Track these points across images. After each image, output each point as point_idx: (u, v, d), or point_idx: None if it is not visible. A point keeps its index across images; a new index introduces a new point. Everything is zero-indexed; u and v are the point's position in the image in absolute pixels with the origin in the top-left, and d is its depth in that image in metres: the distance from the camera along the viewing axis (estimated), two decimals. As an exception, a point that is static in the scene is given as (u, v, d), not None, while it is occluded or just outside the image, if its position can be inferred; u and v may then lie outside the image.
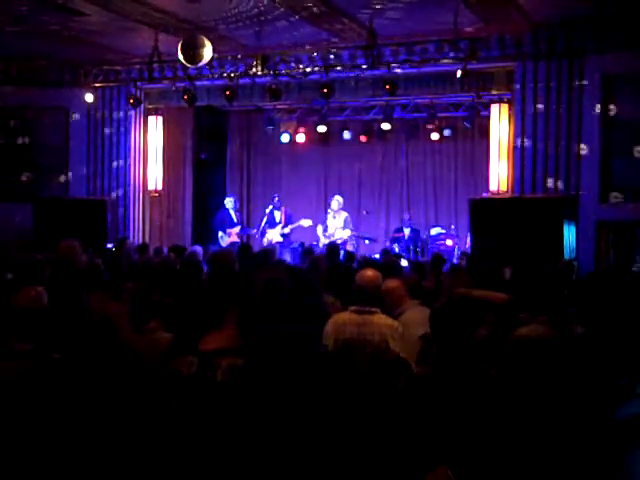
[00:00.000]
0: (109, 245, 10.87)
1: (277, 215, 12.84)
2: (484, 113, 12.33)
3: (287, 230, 12.67)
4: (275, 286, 1.75)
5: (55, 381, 3.35)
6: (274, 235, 12.66)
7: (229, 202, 12.94)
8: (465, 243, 12.02)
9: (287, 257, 11.26)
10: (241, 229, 12.90)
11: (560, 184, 10.04)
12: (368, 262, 7.75)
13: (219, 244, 12.37)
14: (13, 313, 3.56)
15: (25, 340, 3.48)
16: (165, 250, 9.30)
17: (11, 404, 3.25)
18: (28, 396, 3.27)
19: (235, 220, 12.84)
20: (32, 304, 3.61)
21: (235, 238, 12.60)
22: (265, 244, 12.39)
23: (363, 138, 14.45)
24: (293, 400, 1.77)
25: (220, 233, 12.69)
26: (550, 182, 10.09)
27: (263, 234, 12.76)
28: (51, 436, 3.22)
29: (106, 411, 3.36)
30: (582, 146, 9.94)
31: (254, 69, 10.93)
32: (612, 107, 9.87)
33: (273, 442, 1.76)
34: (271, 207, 12.93)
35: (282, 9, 9.17)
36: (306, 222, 12.67)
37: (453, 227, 13.16)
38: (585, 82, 9.86)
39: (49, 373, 3.37)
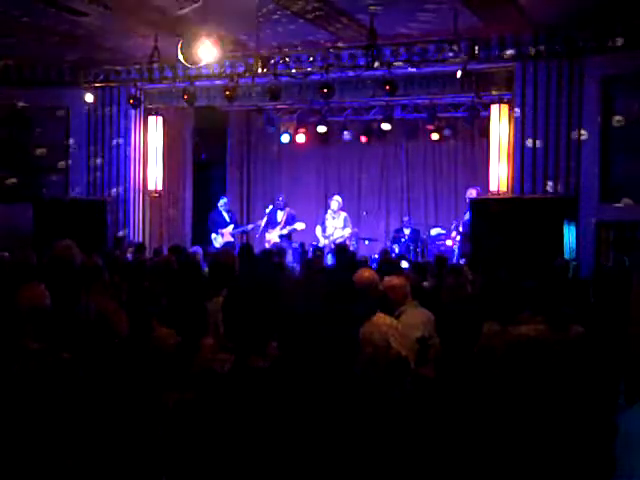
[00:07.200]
0: (109, 245, 10.86)
1: (279, 215, 12.83)
2: (484, 113, 12.32)
3: (285, 232, 12.66)
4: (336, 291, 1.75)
5: (66, 380, 3.33)
6: (273, 236, 12.66)
7: (221, 202, 12.97)
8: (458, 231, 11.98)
9: (289, 257, 11.26)
10: (234, 228, 12.89)
11: (560, 184, 10.02)
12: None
13: (213, 245, 12.36)
14: (20, 311, 3.53)
15: (35, 339, 3.45)
16: (164, 250, 9.28)
17: (30, 402, 3.21)
18: (44, 394, 3.24)
19: (227, 220, 12.85)
20: (38, 302, 3.59)
21: (229, 237, 12.61)
22: (264, 244, 12.39)
23: (363, 138, 14.44)
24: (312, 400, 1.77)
25: (213, 235, 12.71)
26: (550, 182, 10.08)
27: (263, 234, 12.75)
28: (63, 433, 3.20)
29: (106, 409, 3.35)
30: (582, 146, 9.92)
31: (254, 69, 10.90)
32: (612, 107, 9.85)
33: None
34: (271, 207, 12.92)
35: (282, 9, 9.15)
36: (300, 225, 12.68)
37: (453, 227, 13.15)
38: (585, 82, 9.84)
39: (61, 372, 3.34)
